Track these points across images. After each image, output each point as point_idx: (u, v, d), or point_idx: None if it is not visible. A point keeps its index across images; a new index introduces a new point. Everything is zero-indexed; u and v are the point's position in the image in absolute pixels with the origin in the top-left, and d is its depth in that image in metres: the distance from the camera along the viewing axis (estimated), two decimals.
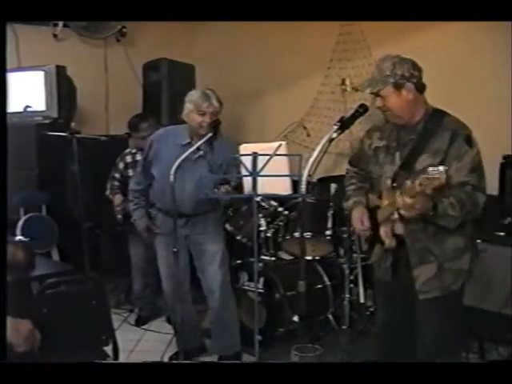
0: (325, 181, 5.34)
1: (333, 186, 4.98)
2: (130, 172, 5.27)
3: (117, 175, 5.32)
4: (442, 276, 3.05)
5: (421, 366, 2.08)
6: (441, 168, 2.65)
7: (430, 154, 2.99)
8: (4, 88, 2.45)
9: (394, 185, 3.05)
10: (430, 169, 2.66)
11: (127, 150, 5.37)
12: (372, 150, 3.27)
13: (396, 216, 3.02)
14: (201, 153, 4.10)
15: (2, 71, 2.42)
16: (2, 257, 2.33)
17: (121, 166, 5.31)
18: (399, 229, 3.09)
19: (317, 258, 4.99)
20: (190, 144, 4.05)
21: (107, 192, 5.32)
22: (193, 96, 4.13)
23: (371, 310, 4.91)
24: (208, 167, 4.06)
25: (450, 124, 3.03)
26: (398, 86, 2.99)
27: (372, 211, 3.25)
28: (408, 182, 2.86)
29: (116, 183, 5.31)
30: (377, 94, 3.03)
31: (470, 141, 2.97)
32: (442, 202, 2.86)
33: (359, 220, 3.27)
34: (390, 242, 3.12)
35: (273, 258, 5.09)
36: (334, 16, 3.04)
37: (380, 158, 3.22)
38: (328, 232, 4.87)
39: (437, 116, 3.08)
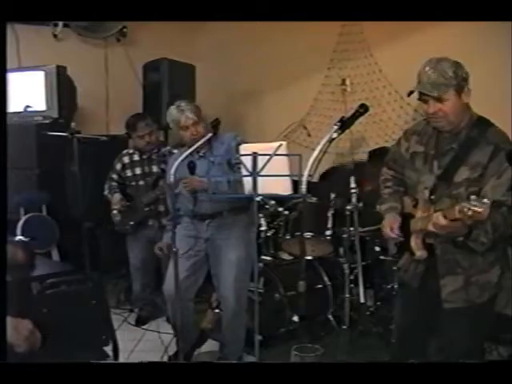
0: (325, 177, 5.35)
1: (332, 195, 4.97)
2: (128, 172, 5.28)
3: (114, 176, 5.33)
4: (468, 289, 2.95)
5: (421, 366, 2.08)
6: (485, 201, 2.46)
7: (469, 167, 2.84)
8: (4, 88, 2.44)
9: (432, 197, 2.93)
10: (473, 198, 2.48)
11: (125, 151, 5.37)
12: (409, 154, 3.14)
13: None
14: (201, 153, 4.12)
15: (2, 71, 2.41)
16: (2, 257, 2.33)
17: (118, 166, 5.32)
18: (430, 238, 2.98)
19: (317, 257, 4.99)
20: (190, 155, 4.04)
21: (105, 192, 5.33)
22: (170, 115, 4.19)
23: (371, 310, 4.91)
24: (210, 166, 4.05)
25: (493, 136, 2.86)
26: (459, 89, 2.83)
27: (405, 217, 3.14)
28: (447, 200, 2.83)
29: (114, 184, 5.32)
30: (438, 99, 2.82)
31: (511, 157, 2.78)
32: (477, 227, 2.72)
33: (390, 227, 3.15)
34: (421, 254, 3.01)
35: (273, 258, 5.09)
36: (334, 16, 3.00)
37: (417, 164, 3.08)
38: (328, 232, 4.88)
39: (481, 125, 2.92)
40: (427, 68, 2.82)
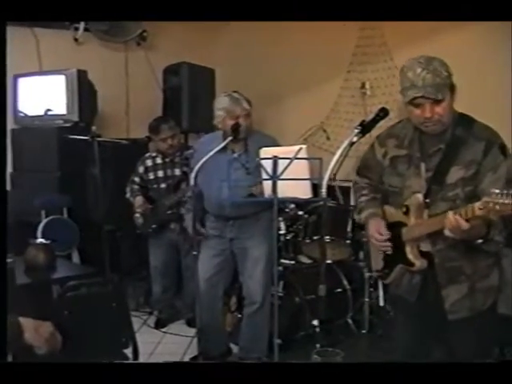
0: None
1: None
2: (151, 175, 5.30)
3: (137, 179, 5.35)
4: (473, 296, 2.82)
5: (422, 366, 2.06)
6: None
7: (462, 166, 2.71)
8: (4, 89, 2.45)
9: (427, 201, 2.78)
10: (497, 191, 2.29)
11: (147, 154, 5.40)
12: (388, 160, 2.97)
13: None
14: (235, 155, 4.12)
15: (3, 72, 2.41)
16: (2, 257, 2.34)
17: (141, 169, 5.34)
18: (426, 246, 2.84)
19: (336, 261, 4.98)
20: (225, 149, 4.04)
21: (127, 195, 5.34)
22: (222, 103, 4.14)
23: (391, 313, 4.89)
24: (244, 169, 4.05)
25: (481, 132, 2.75)
26: (452, 89, 2.71)
27: (392, 226, 2.95)
28: (442, 203, 2.71)
29: (136, 186, 5.33)
30: (436, 102, 2.66)
31: (504, 150, 2.71)
32: (494, 227, 2.57)
33: (377, 230, 2.96)
34: (421, 264, 2.84)
35: (292, 262, 5.09)
36: (353, 16, 2.95)
37: (400, 168, 2.92)
38: (348, 236, 4.87)
39: (464, 122, 2.80)
40: (419, 69, 2.63)
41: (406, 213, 2.87)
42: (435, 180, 2.78)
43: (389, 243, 2.94)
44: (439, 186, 2.76)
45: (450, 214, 2.51)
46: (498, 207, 2.29)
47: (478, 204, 2.39)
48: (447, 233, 2.56)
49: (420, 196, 2.80)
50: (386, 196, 3.06)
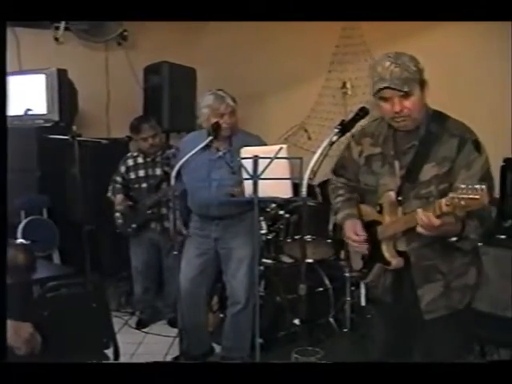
0: (326, 184, 5.34)
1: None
2: (132, 175, 5.28)
3: (118, 178, 5.32)
4: (449, 295, 2.79)
5: (421, 366, 2.08)
6: (481, 186, 2.26)
7: (435, 163, 2.69)
8: (4, 89, 2.44)
9: (400, 198, 2.76)
10: (463, 186, 2.28)
11: (129, 154, 5.39)
12: (363, 158, 2.96)
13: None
14: (220, 154, 4.12)
15: (3, 72, 2.41)
16: (2, 259, 2.33)
17: (122, 169, 5.32)
18: (401, 245, 2.82)
19: (317, 260, 4.98)
20: (209, 147, 4.04)
21: (109, 194, 5.31)
22: (207, 100, 4.13)
23: (372, 312, 4.90)
24: (228, 168, 4.04)
25: (455, 128, 2.73)
26: (422, 84, 2.68)
27: (368, 226, 2.94)
28: (415, 201, 2.69)
29: (118, 186, 5.31)
30: (404, 96, 2.64)
31: (478, 147, 2.68)
32: (468, 224, 2.54)
33: (353, 231, 2.94)
34: (397, 262, 2.81)
35: (273, 261, 5.09)
36: (334, 16, 2.95)
37: (374, 167, 2.91)
38: (329, 235, 4.87)
39: (438, 119, 2.78)
40: (387, 63, 2.62)
41: (381, 211, 2.86)
42: (408, 177, 2.76)
43: (365, 244, 2.94)
44: (412, 183, 2.74)
45: (419, 211, 2.51)
46: (463, 202, 2.28)
47: (444, 200, 2.38)
48: (420, 229, 2.54)
49: (392, 194, 2.79)
50: (362, 195, 3.05)
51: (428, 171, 2.72)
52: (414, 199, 2.74)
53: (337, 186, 3.20)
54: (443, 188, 2.68)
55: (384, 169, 2.87)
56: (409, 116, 2.69)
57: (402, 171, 2.81)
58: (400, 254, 2.83)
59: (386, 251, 2.85)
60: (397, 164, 2.82)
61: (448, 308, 2.81)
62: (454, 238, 2.59)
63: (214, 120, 4.05)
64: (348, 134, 3.02)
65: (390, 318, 3.03)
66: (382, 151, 2.89)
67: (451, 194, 2.33)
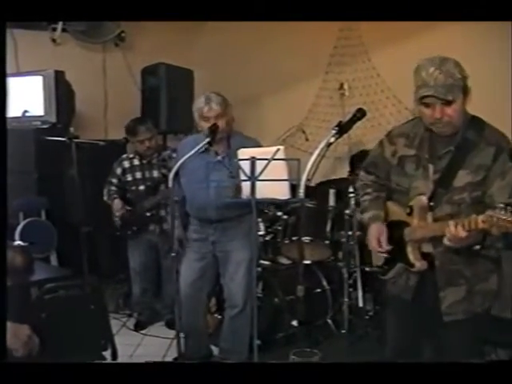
0: (324, 185, 5.35)
1: (331, 192, 4.99)
2: (129, 177, 5.26)
3: (114, 180, 5.30)
4: (471, 299, 2.80)
5: (419, 366, 2.08)
6: None
7: (470, 170, 2.68)
8: (4, 90, 2.44)
9: (432, 204, 2.75)
10: (501, 205, 2.29)
11: (124, 156, 5.36)
12: (397, 159, 2.93)
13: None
14: (219, 158, 4.10)
15: (2, 72, 2.40)
16: (2, 260, 2.33)
17: (118, 171, 5.29)
18: (427, 247, 2.82)
19: (315, 262, 4.98)
20: (207, 151, 4.01)
21: (105, 197, 5.30)
22: (197, 104, 4.11)
23: (370, 314, 4.91)
24: (227, 171, 4.03)
25: (492, 137, 2.71)
26: (466, 91, 2.66)
27: (394, 225, 2.94)
28: (447, 206, 2.70)
29: (113, 188, 5.29)
30: (447, 103, 2.62)
31: None
32: (491, 234, 2.50)
33: (376, 239, 2.94)
34: (421, 265, 2.83)
35: (271, 263, 5.09)
36: (333, 16, 2.94)
37: (408, 168, 2.88)
38: (327, 236, 4.88)
39: (476, 125, 2.76)
40: (432, 69, 2.60)
41: (410, 213, 2.85)
42: (442, 183, 2.75)
43: (385, 254, 2.95)
44: (445, 189, 2.74)
45: (451, 224, 2.51)
46: (501, 223, 2.29)
47: (481, 217, 2.38)
48: (447, 242, 2.57)
49: (424, 198, 2.78)
50: (391, 193, 3.03)
51: (462, 178, 2.71)
52: (446, 204, 2.74)
53: (365, 184, 3.16)
54: (476, 195, 2.69)
55: (418, 172, 2.85)
56: (449, 123, 2.68)
57: (435, 176, 2.79)
58: (425, 255, 2.84)
59: (411, 253, 2.86)
60: (431, 168, 2.81)
61: (468, 312, 2.82)
62: (478, 247, 2.61)
63: (202, 123, 4.05)
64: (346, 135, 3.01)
65: (405, 316, 3.04)
66: (417, 153, 2.87)
67: (489, 212, 2.34)
